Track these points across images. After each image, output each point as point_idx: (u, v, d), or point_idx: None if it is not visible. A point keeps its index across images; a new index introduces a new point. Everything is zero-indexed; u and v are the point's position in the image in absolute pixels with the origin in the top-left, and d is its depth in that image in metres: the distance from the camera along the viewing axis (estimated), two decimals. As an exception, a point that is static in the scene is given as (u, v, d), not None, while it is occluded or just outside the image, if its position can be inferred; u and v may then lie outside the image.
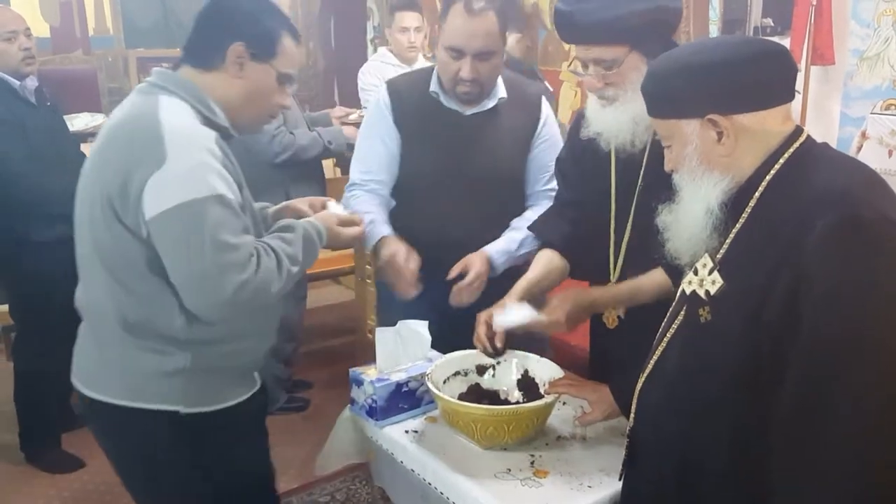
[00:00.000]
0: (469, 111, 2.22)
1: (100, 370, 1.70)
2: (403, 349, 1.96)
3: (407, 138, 2.24)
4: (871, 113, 3.12)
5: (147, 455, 1.71)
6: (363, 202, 2.25)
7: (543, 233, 2.08)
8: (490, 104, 2.22)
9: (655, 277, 1.80)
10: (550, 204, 2.24)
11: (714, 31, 3.67)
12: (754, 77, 1.23)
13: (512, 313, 1.85)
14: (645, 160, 1.78)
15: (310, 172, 3.46)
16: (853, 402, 1.13)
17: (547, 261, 1.99)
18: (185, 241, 1.52)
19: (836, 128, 3.26)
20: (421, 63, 4.03)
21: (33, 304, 3.09)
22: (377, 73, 3.99)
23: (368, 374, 1.91)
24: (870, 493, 1.14)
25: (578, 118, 1.91)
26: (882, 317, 1.13)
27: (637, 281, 1.84)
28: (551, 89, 4.18)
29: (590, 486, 1.62)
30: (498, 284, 2.15)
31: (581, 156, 1.94)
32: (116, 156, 1.56)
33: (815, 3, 3.10)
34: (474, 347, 1.92)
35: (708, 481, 1.31)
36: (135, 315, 1.62)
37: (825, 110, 3.28)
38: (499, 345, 1.88)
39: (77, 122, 4.67)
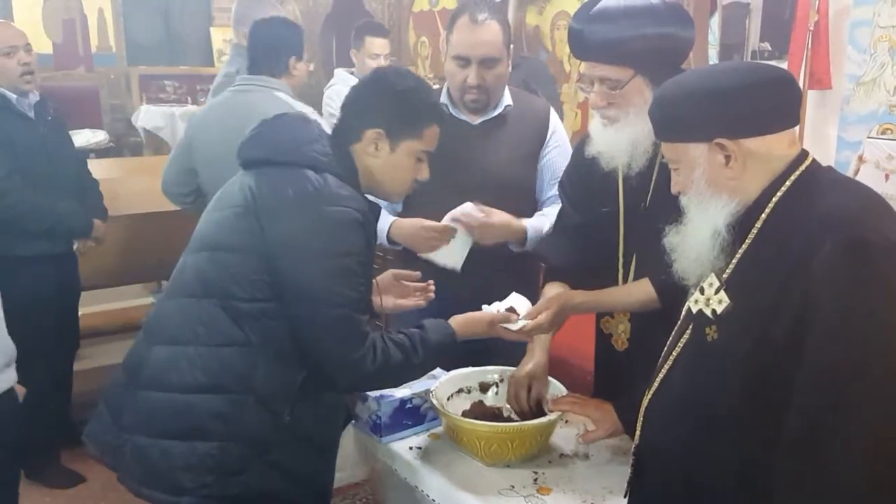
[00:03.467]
0: (477, 120, 2.31)
1: None
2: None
3: None
4: (868, 137, 3.15)
5: None
6: None
7: (549, 258, 2.08)
8: (497, 112, 2.31)
9: (645, 288, 1.81)
10: None
11: (713, 54, 3.71)
12: (761, 102, 1.25)
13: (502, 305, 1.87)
14: (653, 182, 1.81)
15: None
16: (856, 431, 1.13)
17: None
18: None
19: (833, 152, 3.28)
20: None
21: (28, 321, 3.07)
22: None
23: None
24: None
25: (584, 138, 1.93)
26: (886, 343, 1.14)
27: (626, 289, 1.86)
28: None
29: (593, 504, 1.64)
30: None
31: (588, 177, 1.95)
32: None
33: (812, 28, 3.14)
34: (484, 359, 1.98)
35: (714, 499, 1.32)
36: None
37: (822, 134, 3.30)
38: (533, 406, 1.90)
39: (78, 138, 4.69)
